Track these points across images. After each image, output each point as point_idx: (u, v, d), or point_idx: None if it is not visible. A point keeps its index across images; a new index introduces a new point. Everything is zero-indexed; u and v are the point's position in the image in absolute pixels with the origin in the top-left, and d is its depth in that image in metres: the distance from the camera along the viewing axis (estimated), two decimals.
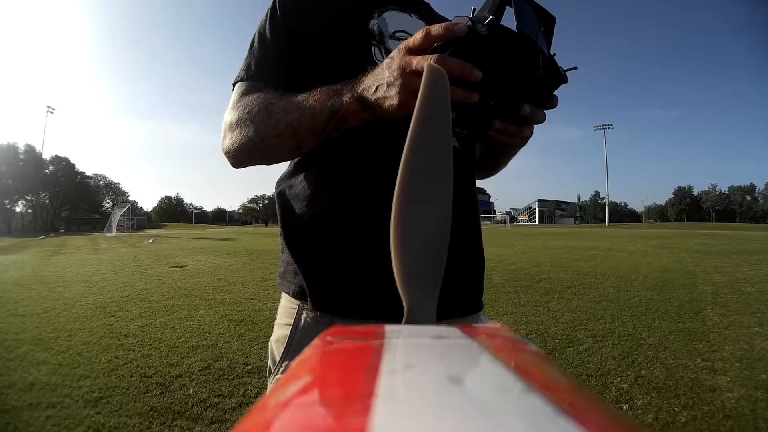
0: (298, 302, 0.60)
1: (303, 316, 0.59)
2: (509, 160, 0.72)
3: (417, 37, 0.41)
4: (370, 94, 0.46)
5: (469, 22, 0.39)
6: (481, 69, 0.39)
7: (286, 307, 0.62)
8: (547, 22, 0.44)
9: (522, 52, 0.41)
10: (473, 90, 0.41)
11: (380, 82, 0.45)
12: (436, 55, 0.39)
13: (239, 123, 0.56)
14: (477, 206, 0.69)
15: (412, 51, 0.42)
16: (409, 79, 0.42)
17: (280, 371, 0.60)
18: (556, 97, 0.46)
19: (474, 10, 0.42)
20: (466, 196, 0.65)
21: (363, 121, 0.49)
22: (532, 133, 0.51)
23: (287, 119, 0.52)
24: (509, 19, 0.40)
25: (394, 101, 0.44)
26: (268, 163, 0.60)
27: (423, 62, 0.39)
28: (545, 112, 0.47)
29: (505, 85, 0.43)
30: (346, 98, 0.48)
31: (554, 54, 0.43)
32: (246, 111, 0.56)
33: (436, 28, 0.40)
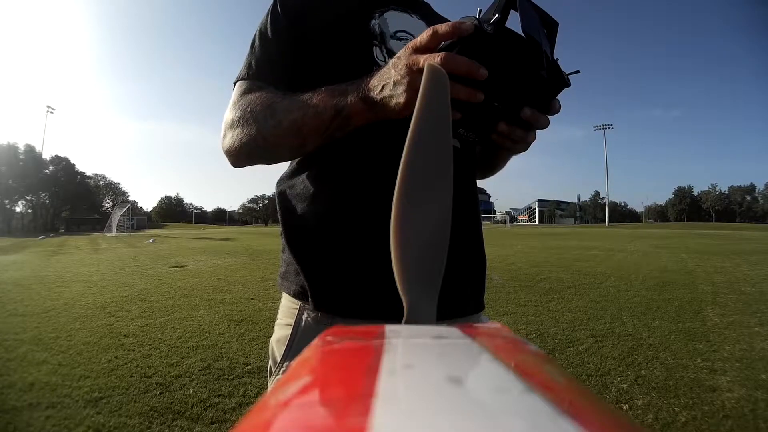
0: (299, 302, 0.60)
1: (304, 317, 0.59)
2: (507, 161, 0.72)
3: (424, 36, 0.41)
4: (376, 94, 0.46)
5: (476, 22, 0.40)
6: (487, 69, 0.40)
7: (287, 307, 0.62)
8: (550, 27, 0.45)
9: (526, 52, 0.41)
10: (479, 89, 0.41)
11: (386, 81, 0.45)
12: (443, 53, 0.39)
13: (241, 121, 0.56)
14: (478, 206, 0.69)
15: (419, 50, 0.42)
16: (415, 77, 0.42)
17: (281, 372, 0.59)
18: (558, 102, 0.47)
19: (480, 11, 0.43)
20: (467, 196, 0.65)
21: (367, 120, 0.49)
22: (534, 138, 0.51)
23: (290, 118, 0.52)
24: (514, 24, 0.40)
25: (401, 99, 0.44)
26: (269, 163, 0.60)
27: (430, 61, 0.39)
28: (548, 117, 0.47)
29: (510, 85, 0.43)
30: (351, 98, 0.48)
31: (557, 59, 0.44)
32: (248, 109, 0.56)
33: (443, 27, 0.40)
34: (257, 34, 0.63)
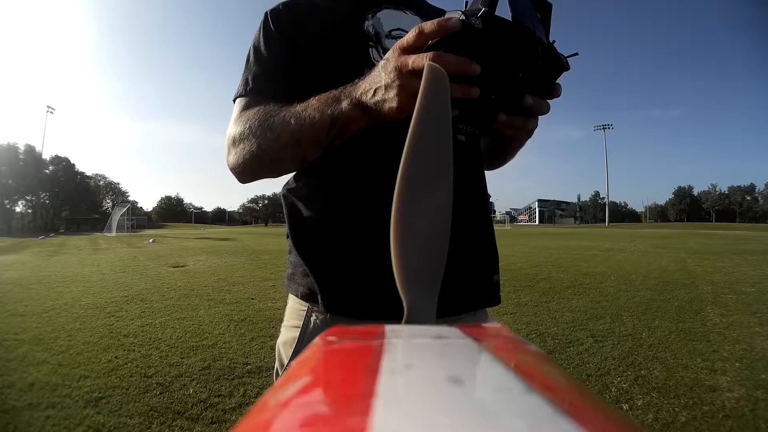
0: (307, 304, 0.59)
1: (312, 318, 0.59)
2: (516, 152, 0.70)
3: (410, 36, 0.40)
4: (369, 98, 0.45)
5: (463, 16, 0.38)
6: (480, 63, 0.38)
7: (295, 309, 0.62)
8: (543, 8, 0.43)
9: (519, 42, 0.39)
10: (473, 85, 0.39)
11: (378, 85, 0.44)
12: (431, 52, 0.38)
13: (242, 138, 0.56)
14: (486, 199, 0.68)
15: (407, 50, 0.41)
16: (406, 79, 0.41)
17: None
18: (558, 85, 0.45)
19: (467, 3, 0.41)
20: (476, 189, 0.65)
21: (364, 126, 0.48)
22: (536, 125, 0.50)
23: (288, 131, 0.52)
24: (504, 11, 0.38)
25: (394, 104, 0.43)
26: (275, 176, 0.60)
27: (419, 61, 0.38)
28: (549, 102, 0.46)
29: (506, 77, 0.42)
30: (344, 105, 0.47)
31: (554, 41, 0.42)
32: (247, 126, 0.56)
33: (428, 25, 0.39)
34: (251, 49, 0.63)
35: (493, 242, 0.67)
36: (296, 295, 0.61)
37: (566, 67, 0.43)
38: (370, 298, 0.55)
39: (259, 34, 0.63)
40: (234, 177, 0.62)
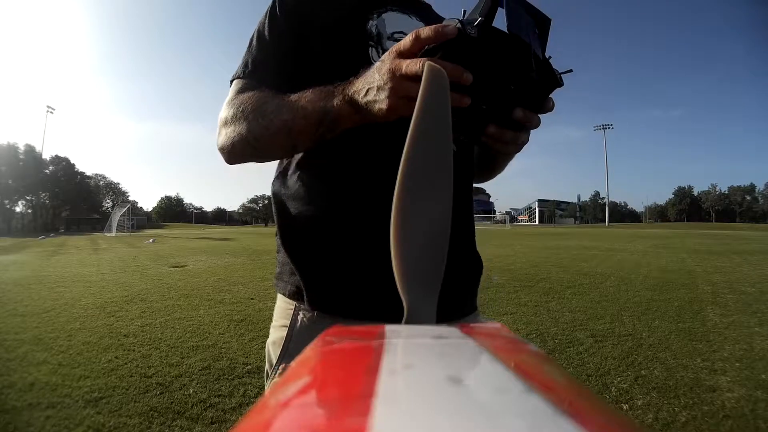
0: (294, 303, 0.59)
1: (299, 317, 0.59)
2: (505, 164, 0.72)
3: (407, 41, 0.41)
4: (361, 97, 0.46)
5: (459, 24, 0.39)
6: (473, 72, 0.39)
7: (282, 308, 0.62)
8: (541, 24, 0.43)
9: (514, 54, 0.40)
10: (465, 94, 0.40)
11: (370, 85, 0.44)
12: (425, 58, 0.39)
13: (233, 120, 0.57)
14: (472, 209, 0.70)
15: (403, 54, 0.42)
16: (398, 83, 0.41)
17: (277, 374, 0.59)
18: (551, 100, 0.45)
19: (465, 12, 0.41)
20: (464, 199, 0.65)
21: (355, 123, 0.49)
22: (527, 139, 0.50)
23: (280, 119, 0.52)
24: (502, 21, 0.39)
25: (384, 105, 0.43)
26: (262, 161, 0.60)
27: (413, 66, 0.39)
28: (540, 116, 0.46)
29: (498, 88, 0.42)
30: (337, 101, 0.48)
31: (549, 57, 0.43)
32: (240, 109, 0.56)
33: (425, 31, 0.39)
34: (255, 33, 0.64)
35: (475, 251, 0.69)
36: (284, 294, 0.61)
37: (560, 83, 0.43)
38: (357, 296, 0.55)
39: (265, 19, 0.63)
40: (222, 158, 0.62)
